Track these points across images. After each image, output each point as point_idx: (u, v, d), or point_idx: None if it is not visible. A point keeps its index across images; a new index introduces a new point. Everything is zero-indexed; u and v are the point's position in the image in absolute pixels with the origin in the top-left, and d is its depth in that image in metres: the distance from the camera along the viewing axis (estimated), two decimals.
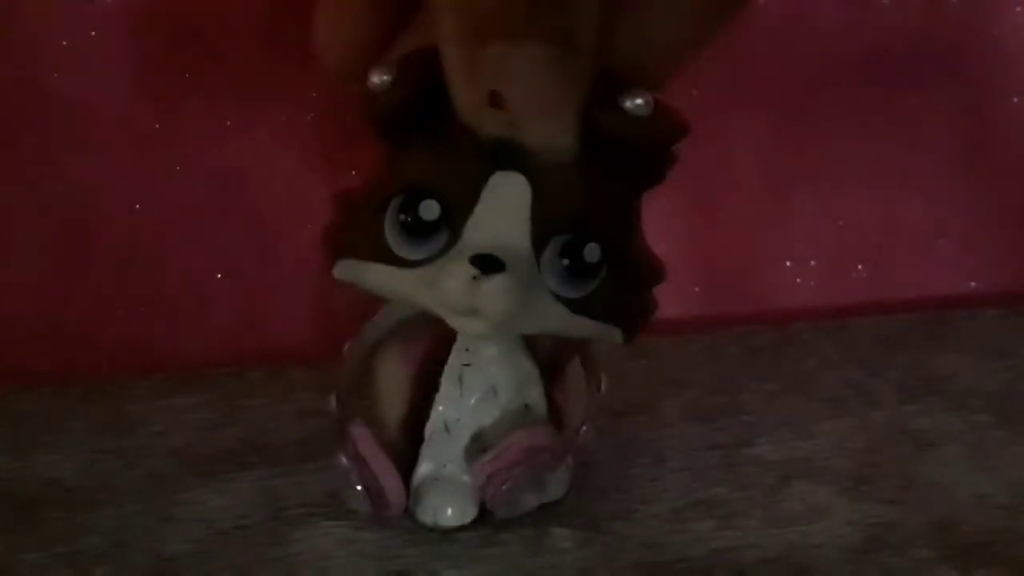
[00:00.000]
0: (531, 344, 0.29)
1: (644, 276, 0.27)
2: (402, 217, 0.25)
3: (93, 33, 0.39)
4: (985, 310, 0.45)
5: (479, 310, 0.25)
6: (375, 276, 0.26)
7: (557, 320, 0.26)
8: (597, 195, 0.26)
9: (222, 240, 0.41)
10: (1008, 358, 0.40)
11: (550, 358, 0.29)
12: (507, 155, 0.25)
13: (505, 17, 0.23)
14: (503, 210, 0.25)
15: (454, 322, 0.26)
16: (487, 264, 0.25)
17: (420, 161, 0.26)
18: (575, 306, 0.26)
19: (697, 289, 0.46)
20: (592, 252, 0.25)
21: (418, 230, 0.25)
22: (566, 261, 0.25)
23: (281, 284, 0.42)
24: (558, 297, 0.26)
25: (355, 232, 0.27)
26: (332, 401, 0.29)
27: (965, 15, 0.46)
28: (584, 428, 0.30)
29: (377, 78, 0.25)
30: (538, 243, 0.25)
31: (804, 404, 0.36)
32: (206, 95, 0.40)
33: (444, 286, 0.25)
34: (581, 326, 0.26)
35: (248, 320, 0.42)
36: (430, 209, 0.25)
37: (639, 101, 0.25)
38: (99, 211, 0.40)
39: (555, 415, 0.29)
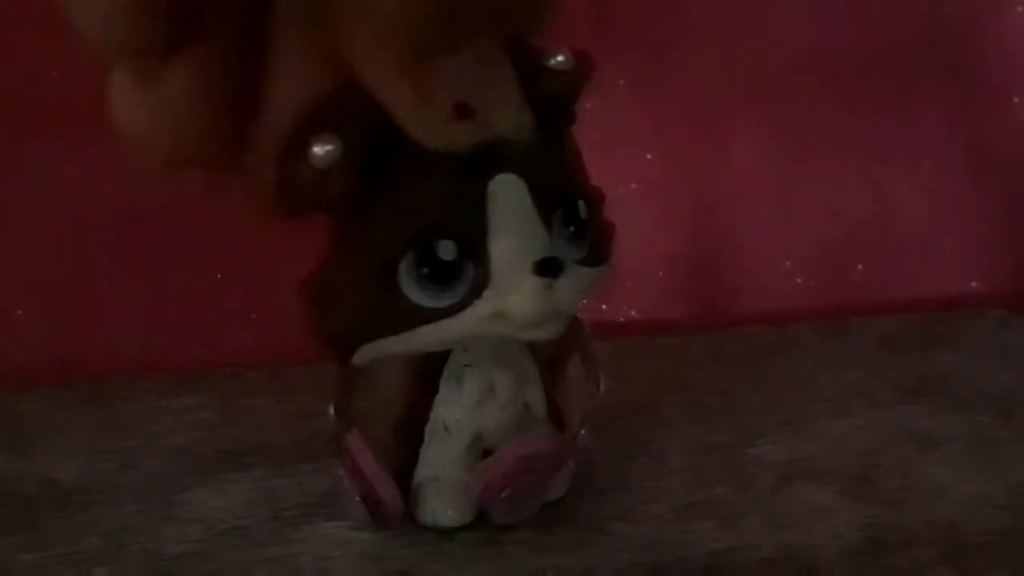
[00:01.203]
0: (530, 343, 0.29)
1: (599, 204, 0.28)
2: (424, 271, 0.25)
3: None
4: (985, 310, 0.45)
5: (559, 312, 0.25)
6: (418, 340, 0.25)
7: (589, 283, 0.26)
8: (563, 155, 0.26)
9: (222, 240, 0.41)
10: (1008, 358, 0.40)
11: (550, 357, 0.29)
12: (492, 157, 0.25)
13: (441, 29, 0.22)
14: (513, 213, 0.25)
15: (524, 335, 0.25)
16: (553, 267, 0.25)
17: (409, 208, 0.25)
18: (589, 262, 0.26)
19: (697, 289, 0.46)
20: (583, 208, 0.26)
21: (444, 275, 0.25)
22: (571, 228, 0.26)
23: (280, 284, 0.42)
24: (577, 262, 0.26)
25: (367, 315, 0.25)
26: (330, 409, 0.29)
27: (965, 15, 0.46)
28: (583, 431, 0.30)
29: (320, 149, 0.23)
30: (547, 225, 0.25)
31: (805, 404, 0.36)
32: None
33: (518, 307, 0.25)
34: (600, 277, 0.27)
35: (248, 320, 0.42)
36: (448, 249, 0.25)
37: (560, 58, 0.25)
38: (99, 211, 0.40)
39: (555, 414, 0.29)
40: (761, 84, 0.45)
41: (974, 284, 0.48)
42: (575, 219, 0.26)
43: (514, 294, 0.25)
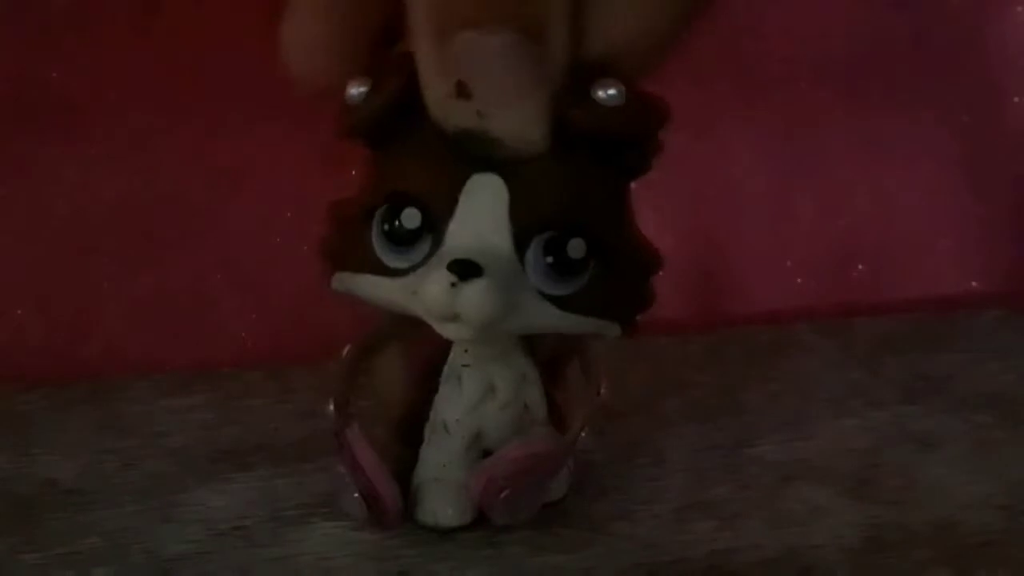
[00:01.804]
0: (531, 344, 0.29)
1: (638, 267, 0.27)
2: (386, 227, 0.25)
3: (93, 32, 0.39)
4: (985, 310, 0.45)
5: (460, 315, 0.25)
6: (367, 288, 0.26)
7: (546, 319, 0.26)
8: (578, 189, 0.25)
9: (222, 240, 0.41)
10: (1008, 358, 0.40)
11: (550, 358, 0.29)
12: (476, 148, 0.25)
13: (473, 7, 0.23)
14: (482, 213, 0.25)
15: (438, 328, 0.26)
16: (465, 270, 0.24)
17: (400, 169, 0.26)
18: (564, 303, 0.26)
19: (697, 289, 0.46)
20: (576, 248, 0.25)
21: (402, 239, 0.25)
22: (550, 259, 0.25)
23: (281, 284, 0.42)
24: (546, 295, 0.25)
25: (347, 244, 0.27)
26: (330, 407, 0.29)
27: (965, 15, 0.46)
28: (583, 434, 0.30)
29: (354, 90, 0.25)
30: (519, 243, 0.25)
31: (805, 404, 0.36)
32: (206, 94, 0.40)
33: (424, 293, 0.25)
34: (573, 323, 0.26)
35: (248, 320, 0.42)
36: (412, 217, 0.25)
37: (611, 91, 0.24)
38: (99, 211, 0.40)
39: (555, 415, 0.29)
40: (761, 84, 0.45)
41: (974, 284, 0.48)
42: (559, 253, 0.25)
43: (427, 279, 0.25)
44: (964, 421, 0.35)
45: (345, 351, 0.29)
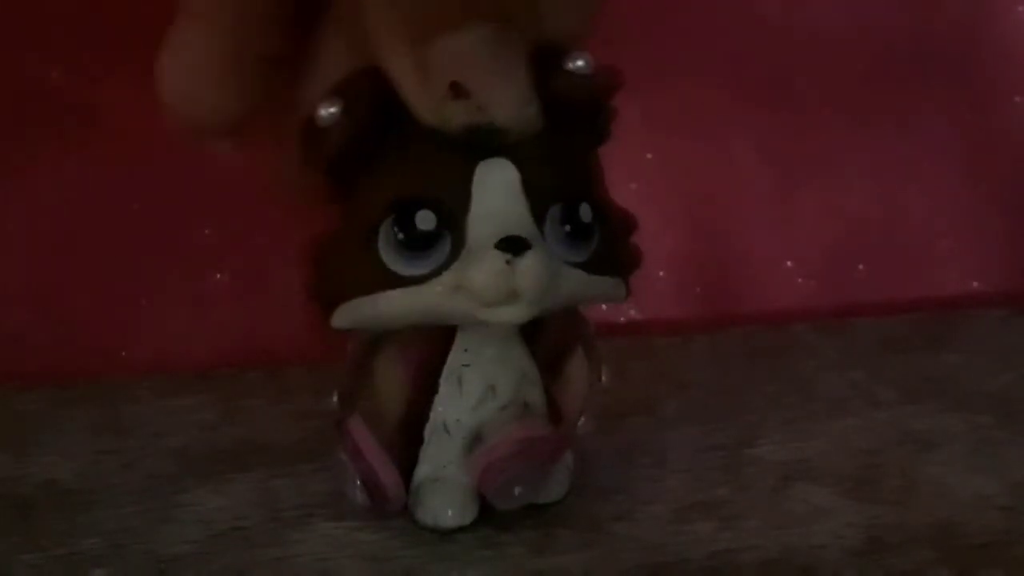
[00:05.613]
0: (531, 342, 0.29)
1: (624, 227, 0.28)
2: (400, 236, 0.25)
3: (92, 33, 0.39)
4: (986, 310, 0.45)
5: (520, 291, 0.25)
6: (386, 306, 0.26)
7: (579, 285, 0.27)
8: (573, 158, 0.27)
9: (221, 240, 0.41)
10: (1009, 359, 0.40)
11: (550, 355, 0.29)
12: (483, 141, 0.25)
13: (442, 11, 0.24)
14: (498, 197, 0.25)
15: (490, 316, 0.26)
16: (516, 245, 0.25)
17: (397, 176, 0.26)
18: (588, 268, 0.26)
19: (697, 289, 0.46)
20: (586, 212, 0.26)
21: (419, 243, 0.25)
22: (568, 227, 0.26)
23: (281, 284, 0.42)
24: (570, 264, 0.26)
25: (346, 273, 0.26)
26: (334, 399, 0.29)
27: (966, 15, 0.46)
28: (582, 420, 0.30)
29: (324, 111, 0.25)
30: (538, 218, 0.26)
31: (805, 405, 0.36)
32: None
33: (476, 282, 0.25)
34: (598, 286, 0.27)
35: (248, 320, 0.42)
36: (426, 219, 0.25)
37: (580, 62, 0.26)
38: (99, 211, 0.40)
39: (555, 414, 0.29)
40: (761, 84, 0.45)
41: (974, 284, 0.48)
42: (573, 220, 0.26)
43: (475, 268, 0.25)
44: (964, 421, 0.35)
45: (349, 346, 0.29)
